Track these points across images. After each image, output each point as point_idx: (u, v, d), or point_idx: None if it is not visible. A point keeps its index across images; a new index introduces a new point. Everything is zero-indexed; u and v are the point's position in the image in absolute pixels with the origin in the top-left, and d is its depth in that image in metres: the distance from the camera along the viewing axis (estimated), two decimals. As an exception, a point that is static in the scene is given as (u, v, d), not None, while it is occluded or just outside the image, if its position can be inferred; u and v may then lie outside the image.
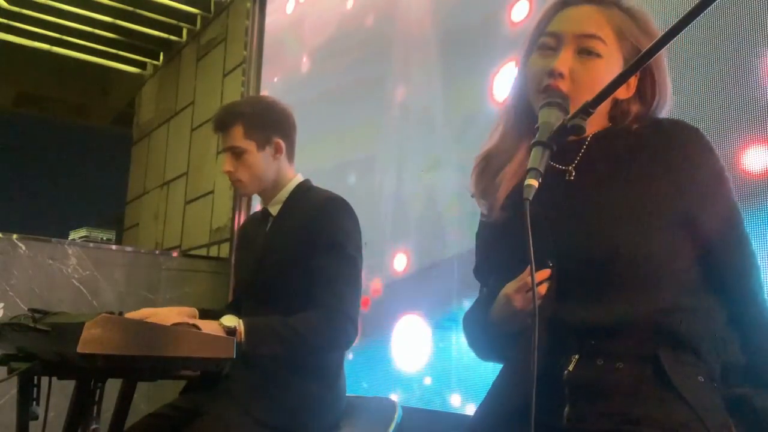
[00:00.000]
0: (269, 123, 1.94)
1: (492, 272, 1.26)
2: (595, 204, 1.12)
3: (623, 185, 1.11)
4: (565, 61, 1.14)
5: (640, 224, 1.07)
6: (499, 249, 1.23)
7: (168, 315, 1.64)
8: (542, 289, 1.09)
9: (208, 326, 1.56)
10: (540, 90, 1.15)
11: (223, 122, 1.94)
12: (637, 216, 1.08)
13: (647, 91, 1.19)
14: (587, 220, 1.12)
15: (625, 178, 1.11)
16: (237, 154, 1.91)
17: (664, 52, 1.15)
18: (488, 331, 1.21)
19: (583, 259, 1.10)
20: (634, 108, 1.19)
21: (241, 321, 1.64)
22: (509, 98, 1.26)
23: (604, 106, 1.17)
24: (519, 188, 1.10)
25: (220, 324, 1.60)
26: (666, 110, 1.21)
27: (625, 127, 1.17)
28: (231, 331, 1.60)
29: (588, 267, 1.09)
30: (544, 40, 1.19)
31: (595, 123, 1.18)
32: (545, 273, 1.09)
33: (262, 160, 1.92)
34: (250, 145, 1.90)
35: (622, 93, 1.17)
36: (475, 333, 1.28)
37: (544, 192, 1.03)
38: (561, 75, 1.13)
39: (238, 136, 1.91)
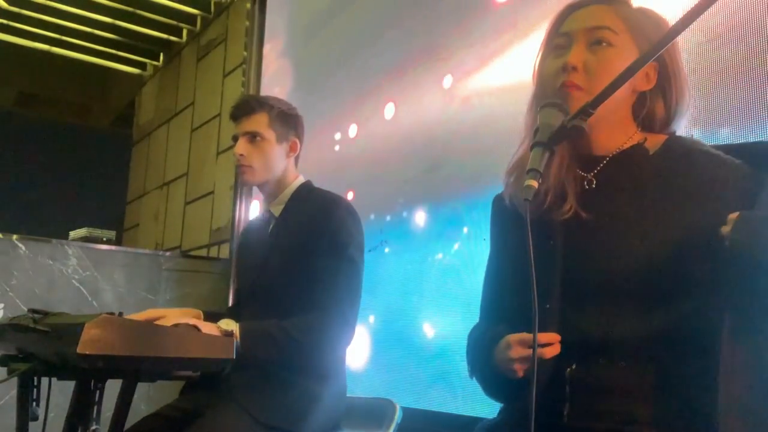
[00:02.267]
0: (291, 121, 1.99)
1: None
2: (608, 217, 1.13)
3: (638, 203, 1.11)
4: (576, 54, 1.14)
5: (650, 242, 1.08)
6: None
7: (172, 316, 1.65)
8: (549, 351, 1.07)
9: (207, 328, 1.57)
10: (557, 88, 1.15)
11: (250, 106, 1.95)
12: (647, 234, 1.09)
13: (667, 88, 1.18)
14: (597, 232, 1.12)
15: (640, 198, 1.12)
16: (256, 140, 1.92)
17: (680, 52, 1.16)
18: (489, 373, 1.20)
19: (589, 269, 1.11)
20: (659, 109, 1.19)
21: (237, 325, 1.65)
22: (530, 106, 1.25)
23: (626, 101, 1.17)
24: (555, 193, 1.14)
25: (218, 327, 1.62)
26: (686, 116, 1.21)
27: (644, 152, 1.16)
28: (228, 335, 1.61)
29: (593, 276, 1.10)
30: (556, 42, 1.20)
31: (618, 120, 1.17)
32: (553, 337, 1.07)
33: (277, 153, 1.94)
34: (271, 135, 1.93)
35: (643, 84, 1.17)
36: (475, 365, 1.27)
37: (563, 195, 1.09)
38: (574, 68, 1.13)
39: (262, 123, 1.93)
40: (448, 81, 2.66)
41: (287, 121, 1.97)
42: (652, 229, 1.09)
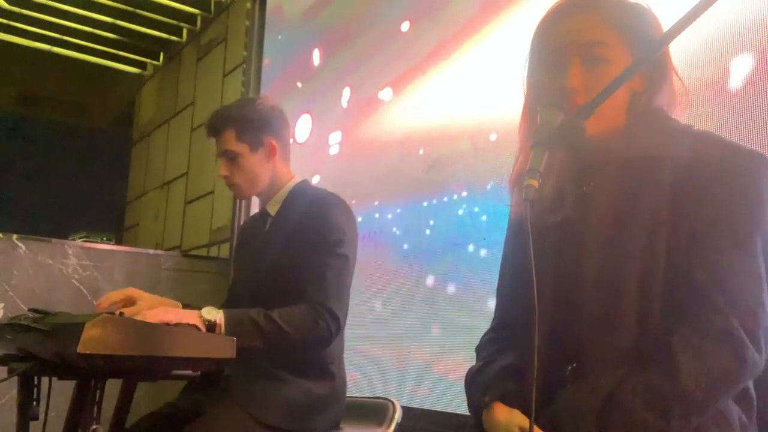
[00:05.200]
0: (260, 124, 1.92)
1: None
2: (605, 220, 1.12)
3: (632, 206, 1.11)
4: (575, 76, 1.12)
5: (642, 242, 1.08)
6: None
7: (149, 301, 1.66)
8: None
9: (188, 316, 1.56)
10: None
11: (215, 127, 1.93)
12: (640, 235, 1.08)
13: (653, 82, 1.16)
14: (587, 235, 1.12)
15: (629, 209, 1.11)
16: (231, 158, 1.90)
17: (666, 47, 1.14)
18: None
19: (579, 271, 1.11)
20: (643, 101, 1.16)
21: (221, 313, 1.64)
22: (522, 119, 1.23)
23: (624, 102, 1.15)
24: (553, 198, 1.15)
25: (200, 316, 1.60)
26: (681, 112, 1.19)
27: (634, 159, 1.13)
28: (211, 324, 1.60)
29: (582, 278, 1.10)
30: (548, 58, 1.17)
31: (612, 121, 1.15)
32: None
33: (256, 163, 1.91)
34: (243, 148, 1.90)
35: (638, 84, 1.15)
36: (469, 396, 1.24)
37: (560, 200, 1.12)
38: (575, 91, 1.11)
39: (230, 140, 1.90)
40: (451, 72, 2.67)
41: (255, 126, 1.91)
42: (644, 230, 1.08)
